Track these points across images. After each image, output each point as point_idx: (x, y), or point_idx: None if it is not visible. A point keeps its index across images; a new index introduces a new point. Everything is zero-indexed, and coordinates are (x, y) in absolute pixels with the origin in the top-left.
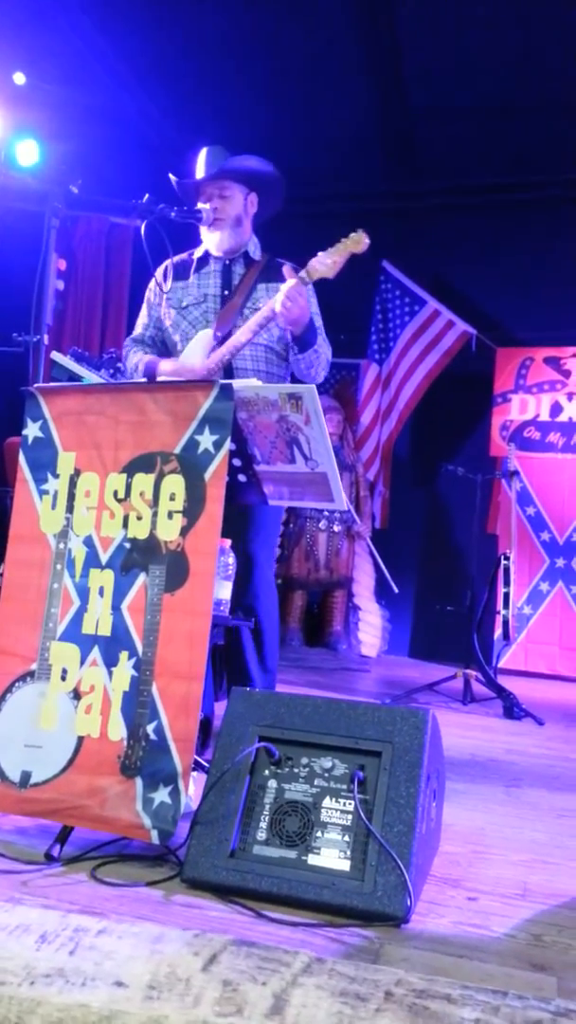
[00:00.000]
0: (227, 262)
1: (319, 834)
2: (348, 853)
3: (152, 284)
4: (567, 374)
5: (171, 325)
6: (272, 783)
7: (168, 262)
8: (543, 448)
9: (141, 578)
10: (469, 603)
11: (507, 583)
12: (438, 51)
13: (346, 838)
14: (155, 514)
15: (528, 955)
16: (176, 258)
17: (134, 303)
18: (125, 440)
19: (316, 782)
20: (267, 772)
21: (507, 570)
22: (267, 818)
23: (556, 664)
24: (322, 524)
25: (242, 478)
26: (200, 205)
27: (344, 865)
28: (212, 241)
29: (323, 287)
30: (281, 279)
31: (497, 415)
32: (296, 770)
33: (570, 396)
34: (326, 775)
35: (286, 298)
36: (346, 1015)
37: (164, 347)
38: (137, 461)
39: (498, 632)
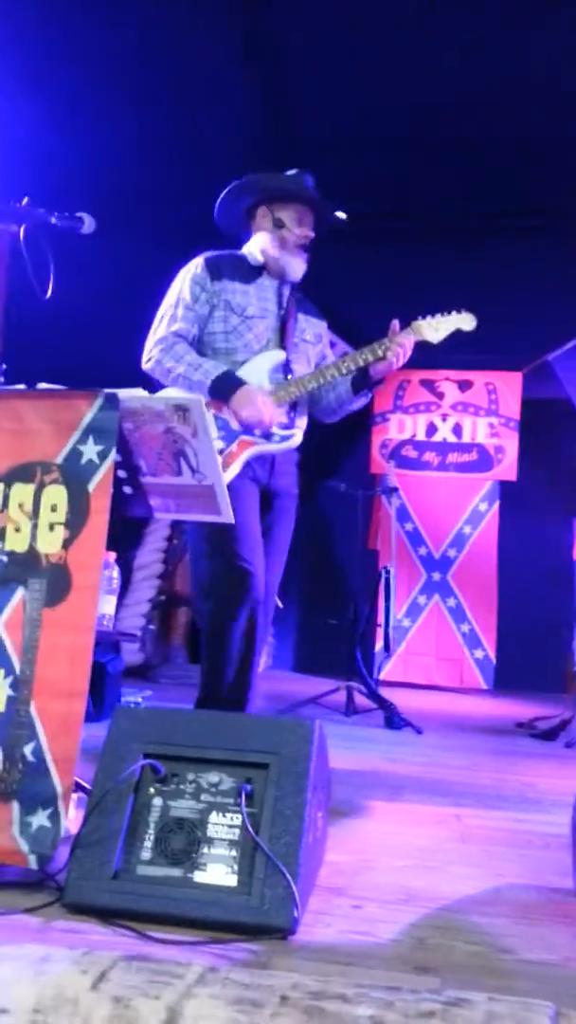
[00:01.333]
0: (280, 283)
1: (206, 850)
2: (235, 868)
3: (198, 276)
4: (441, 396)
5: (228, 331)
6: (157, 801)
7: (214, 256)
8: (420, 466)
9: (19, 593)
10: (352, 617)
11: (388, 596)
12: (325, 83)
13: (233, 853)
14: (35, 526)
15: (412, 958)
16: (220, 255)
17: (10, 309)
18: (2, 449)
19: (203, 797)
20: (152, 790)
21: (388, 583)
22: (152, 837)
23: (433, 674)
24: None
25: (128, 490)
26: (302, 231)
27: (231, 880)
28: (299, 267)
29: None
30: (311, 306)
31: (376, 434)
32: (182, 786)
33: (444, 417)
34: (213, 790)
35: (404, 353)
36: (242, 1022)
37: (196, 349)
38: (15, 471)
39: (379, 644)
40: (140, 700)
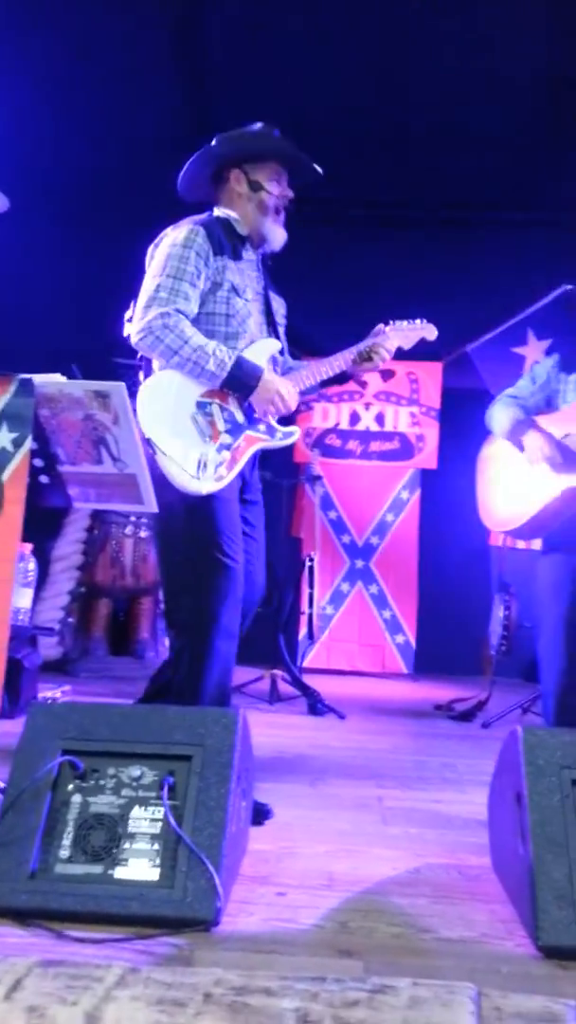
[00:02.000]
0: (261, 256)
1: (127, 845)
2: (157, 862)
3: (201, 248)
4: (364, 385)
5: (231, 314)
6: (76, 798)
7: (207, 222)
8: (343, 455)
9: None
10: (275, 605)
11: (311, 584)
12: (249, 70)
13: (155, 847)
14: None
15: (335, 943)
16: (208, 220)
17: None
18: None
19: (124, 792)
20: (71, 787)
21: (311, 571)
22: (71, 834)
23: (356, 660)
24: (128, 529)
25: (44, 479)
26: (282, 191)
27: (153, 874)
28: (279, 236)
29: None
30: (273, 288)
31: (300, 422)
32: (103, 782)
33: (367, 406)
34: (134, 784)
35: (391, 357)
36: (164, 1023)
37: (202, 327)
38: None
39: (303, 632)
40: (58, 695)
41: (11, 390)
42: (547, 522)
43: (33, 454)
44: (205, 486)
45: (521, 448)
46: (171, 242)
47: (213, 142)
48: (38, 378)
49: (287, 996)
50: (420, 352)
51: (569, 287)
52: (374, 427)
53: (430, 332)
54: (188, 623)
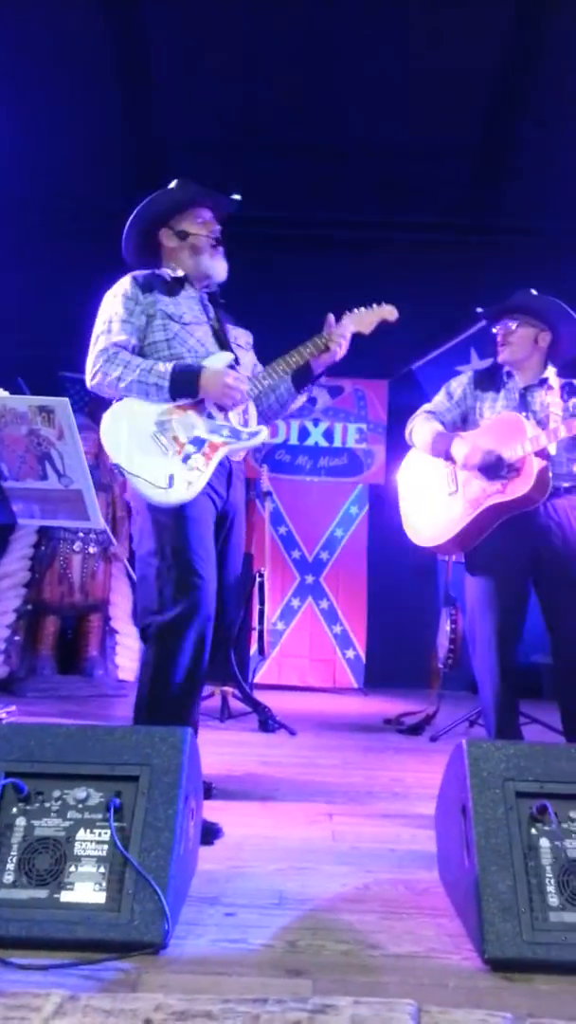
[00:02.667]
0: (204, 291)
1: (73, 869)
2: (104, 885)
3: (129, 292)
4: (313, 401)
5: (170, 338)
6: (20, 821)
7: (138, 275)
8: (293, 471)
9: None
10: (226, 621)
11: (262, 600)
12: (192, 87)
13: (101, 869)
14: None
15: (284, 962)
16: (143, 273)
17: None
18: None
19: (69, 815)
20: (15, 810)
21: (262, 587)
22: (15, 858)
23: (307, 676)
24: (76, 545)
25: None
26: (208, 228)
27: (99, 898)
28: (221, 268)
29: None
30: (230, 314)
31: None
32: (48, 804)
33: (316, 422)
34: (80, 806)
35: (346, 343)
36: None
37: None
38: None
39: (254, 648)
40: (3, 716)
41: None
42: (470, 539)
43: None
44: (175, 495)
45: (447, 459)
46: (105, 298)
47: (135, 211)
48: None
49: (228, 1019)
50: (367, 370)
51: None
52: (323, 443)
53: (390, 313)
54: (154, 636)
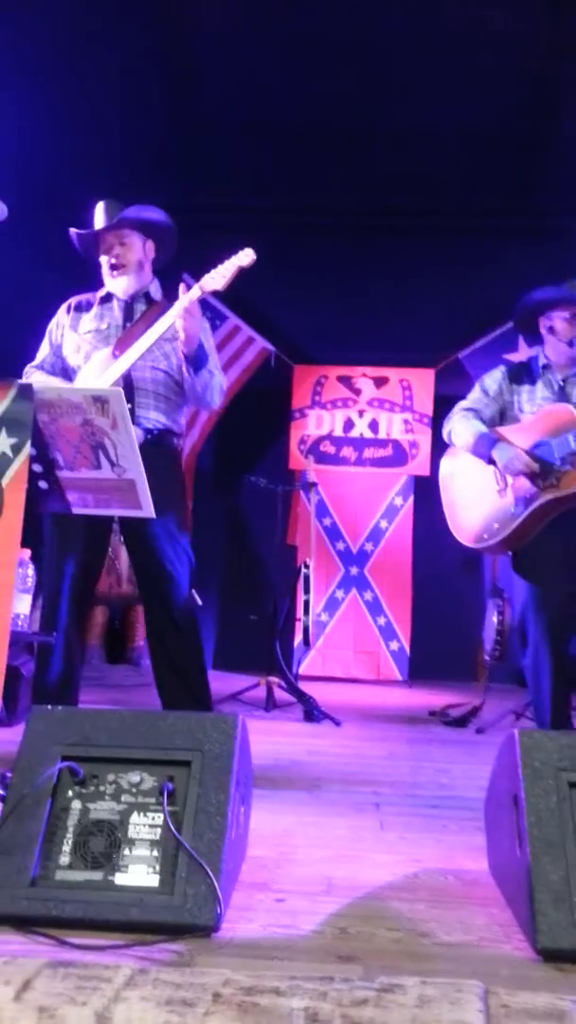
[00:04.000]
0: (129, 300)
1: (127, 852)
2: (157, 868)
3: (55, 318)
4: (358, 392)
5: (74, 350)
6: (76, 804)
7: (71, 299)
8: (337, 462)
9: None
10: (271, 612)
11: (307, 591)
12: (234, 69)
13: (155, 853)
14: None
15: (335, 948)
16: (78, 297)
17: None
18: None
19: (123, 798)
20: (71, 793)
21: (307, 578)
22: (71, 841)
23: (351, 668)
24: None
25: (43, 485)
26: (102, 256)
27: (153, 881)
28: (118, 287)
29: None
30: (157, 317)
31: (295, 429)
32: (102, 788)
33: (361, 413)
34: (134, 790)
35: (184, 310)
36: (174, 1023)
37: (65, 375)
38: None
39: (299, 639)
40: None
41: (10, 395)
42: (523, 536)
43: (32, 459)
44: None
45: (488, 461)
46: None
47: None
48: (37, 383)
49: (296, 996)
50: (413, 359)
51: None
52: (368, 434)
53: (244, 258)
54: None
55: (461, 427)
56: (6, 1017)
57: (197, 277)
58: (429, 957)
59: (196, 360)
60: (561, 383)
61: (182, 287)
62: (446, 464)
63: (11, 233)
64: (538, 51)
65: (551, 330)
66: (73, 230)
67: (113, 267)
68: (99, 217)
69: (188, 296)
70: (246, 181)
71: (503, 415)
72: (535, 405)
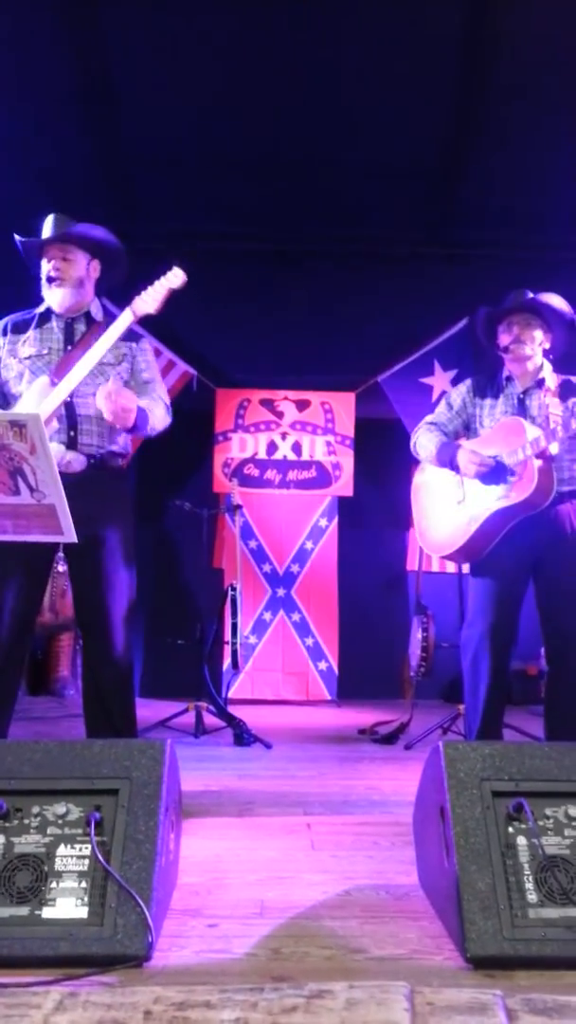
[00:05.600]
0: (69, 320)
1: (54, 884)
2: (86, 899)
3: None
4: (280, 415)
5: (14, 376)
6: (0, 838)
7: (7, 319)
8: (262, 484)
9: None
10: (199, 635)
11: (235, 613)
12: (155, 100)
13: (83, 884)
14: None
15: (268, 969)
16: (15, 316)
17: None
18: None
19: (49, 831)
20: None
21: (234, 600)
22: None
23: (280, 689)
24: None
25: None
26: (43, 264)
27: (82, 913)
28: (54, 299)
29: None
30: (121, 336)
31: (218, 452)
32: (27, 821)
33: (284, 436)
34: (60, 821)
35: (106, 395)
36: None
37: (4, 401)
38: None
39: (227, 662)
40: None
41: None
42: (479, 546)
43: None
44: None
45: (452, 468)
46: None
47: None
48: None
49: (227, 1008)
50: (333, 382)
51: (467, 319)
52: (291, 456)
53: (175, 279)
54: None
55: (425, 439)
56: None
57: (121, 302)
58: (362, 972)
59: (135, 429)
60: (520, 396)
61: (122, 315)
62: (416, 478)
63: None
64: (452, 90)
65: (506, 342)
66: (18, 237)
67: (51, 279)
68: (47, 229)
69: (121, 322)
70: (169, 207)
71: (468, 428)
72: (494, 419)
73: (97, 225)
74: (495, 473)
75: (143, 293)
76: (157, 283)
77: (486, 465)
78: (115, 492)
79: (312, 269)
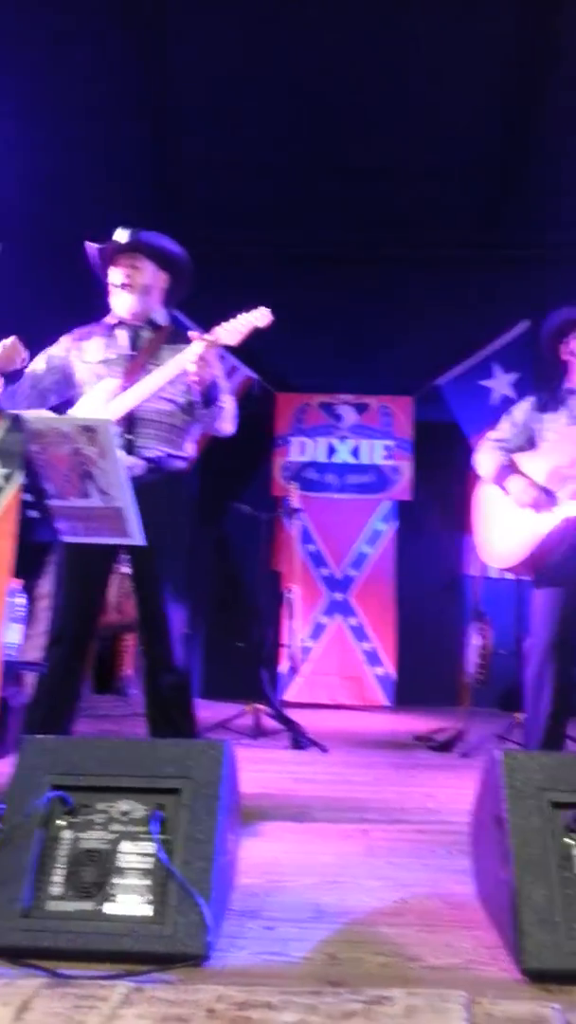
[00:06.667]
0: (135, 327)
1: (117, 881)
2: (148, 897)
3: (57, 344)
4: (339, 419)
5: (80, 379)
6: (67, 833)
7: (75, 331)
8: (321, 488)
9: None
10: (257, 639)
11: (292, 617)
12: (212, 107)
13: (146, 882)
14: None
15: (325, 974)
16: (80, 329)
17: None
18: None
19: (113, 827)
20: (61, 822)
21: (292, 604)
22: (62, 871)
23: (336, 693)
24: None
25: (33, 514)
26: (113, 272)
27: (144, 910)
28: (122, 305)
29: None
30: (185, 343)
31: (278, 456)
32: (92, 817)
33: (342, 439)
34: (124, 819)
35: (199, 358)
36: None
37: (41, 399)
38: None
39: (285, 665)
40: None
41: (2, 427)
42: (541, 559)
43: (23, 489)
44: None
45: (506, 492)
46: None
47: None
48: (28, 414)
49: (287, 1009)
50: (393, 386)
51: (527, 322)
52: (350, 460)
53: (261, 318)
54: None
55: (485, 459)
56: None
57: (184, 312)
58: (417, 980)
59: (208, 397)
60: None
61: (193, 335)
62: (478, 489)
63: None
64: (510, 91)
65: (572, 354)
66: (91, 244)
67: (120, 285)
68: (120, 235)
69: (198, 347)
70: (223, 212)
71: (533, 443)
72: (556, 433)
73: (165, 235)
74: (548, 503)
75: (225, 324)
76: (242, 317)
77: (539, 501)
78: (176, 496)
79: (373, 273)
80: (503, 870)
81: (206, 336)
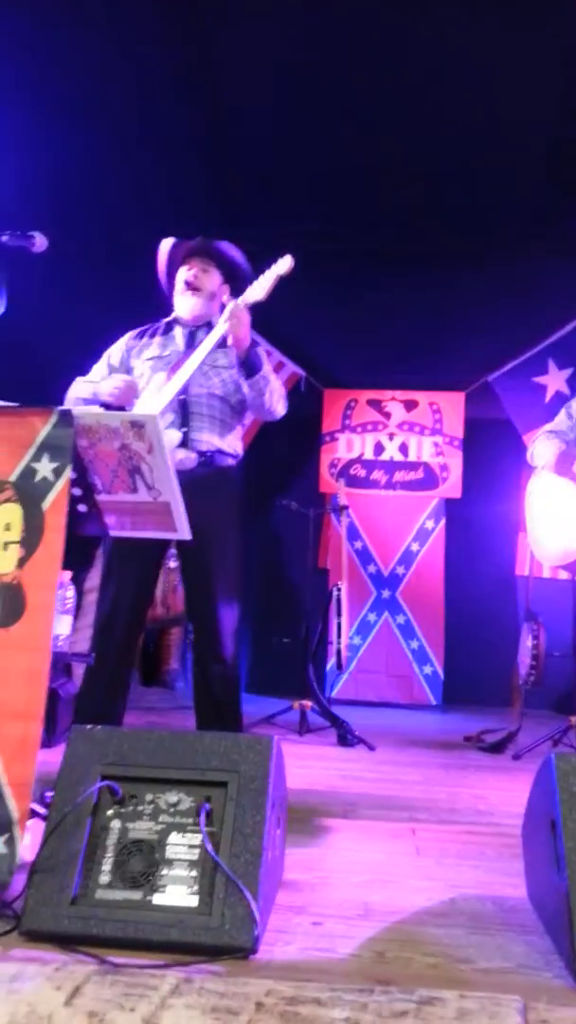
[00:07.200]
0: (193, 329)
1: (165, 872)
2: (195, 888)
3: (119, 342)
4: (387, 415)
5: (137, 377)
6: (115, 823)
7: (135, 330)
8: (368, 485)
9: None
10: (304, 635)
11: (339, 614)
12: (263, 95)
13: (193, 873)
14: None
15: (373, 972)
16: (140, 328)
17: None
18: None
19: (161, 818)
20: (110, 812)
21: (339, 601)
22: (110, 860)
23: (384, 691)
24: None
25: (82, 508)
26: (182, 271)
27: (191, 901)
28: (186, 305)
29: None
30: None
31: (325, 453)
32: (140, 807)
33: (391, 436)
34: (172, 810)
35: (231, 315)
36: None
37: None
38: None
39: (331, 662)
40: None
41: (51, 422)
42: None
43: (72, 484)
44: None
45: (573, 477)
46: None
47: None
48: (77, 409)
49: (337, 1006)
50: (442, 382)
51: None
52: (398, 457)
53: (283, 266)
54: None
55: (543, 448)
56: (57, 1021)
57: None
58: (467, 983)
59: (249, 365)
60: None
61: (226, 297)
62: (530, 485)
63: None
64: (566, 86)
65: None
66: (166, 240)
67: (188, 284)
68: (196, 242)
69: (229, 307)
70: (276, 208)
71: None
72: None
73: (236, 246)
74: None
75: (254, 283)
76: (267, 271)
77: None
78: (226, 492)
79: (421, 268)
80: (557, 875)
81: (238, 300)
